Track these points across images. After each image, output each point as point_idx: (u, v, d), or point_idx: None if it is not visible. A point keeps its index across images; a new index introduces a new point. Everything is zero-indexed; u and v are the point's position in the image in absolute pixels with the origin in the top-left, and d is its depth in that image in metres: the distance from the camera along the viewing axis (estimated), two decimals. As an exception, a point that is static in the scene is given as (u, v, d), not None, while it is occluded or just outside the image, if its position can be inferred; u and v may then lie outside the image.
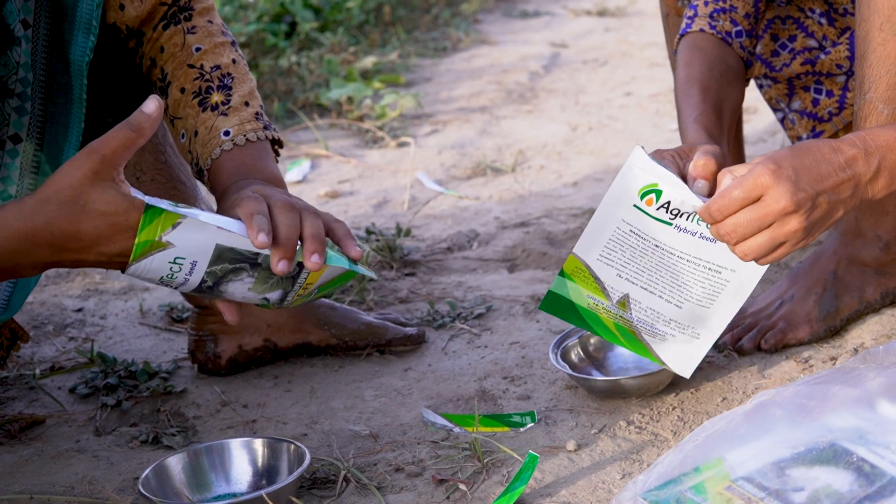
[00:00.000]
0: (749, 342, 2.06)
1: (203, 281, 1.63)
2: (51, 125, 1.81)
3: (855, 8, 1.94)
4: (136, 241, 1.56)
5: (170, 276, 1.61)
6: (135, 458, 1.96)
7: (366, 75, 4.30)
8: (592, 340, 2.09)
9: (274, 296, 1.68)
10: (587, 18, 5.33)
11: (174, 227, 1.56)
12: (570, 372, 1.99)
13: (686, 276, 1.73)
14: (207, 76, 1.90)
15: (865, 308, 2.11)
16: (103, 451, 1.99)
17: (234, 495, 1.79)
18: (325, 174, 3.39)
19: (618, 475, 1.76)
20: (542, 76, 4.34)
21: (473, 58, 4.68)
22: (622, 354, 2.08)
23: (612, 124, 3.68)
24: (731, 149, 2.47)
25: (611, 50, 4.65)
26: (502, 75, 4.34)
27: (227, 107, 1.88)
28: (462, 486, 1.76)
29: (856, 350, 2.04)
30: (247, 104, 1.90)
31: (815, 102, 2.22)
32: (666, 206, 1.70)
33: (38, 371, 2.27)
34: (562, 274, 1.82)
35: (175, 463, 1.81)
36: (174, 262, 1.59)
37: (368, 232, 2.73)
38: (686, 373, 1.84)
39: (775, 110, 2.29)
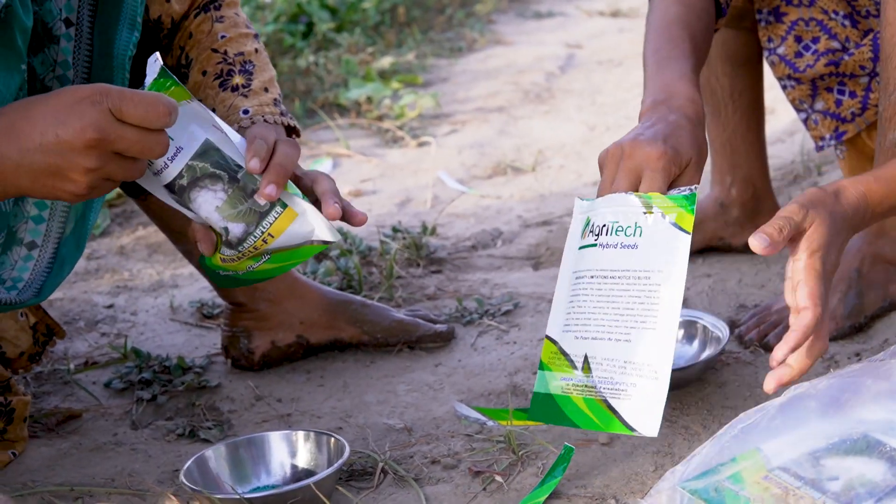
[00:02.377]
0: (775, 338, 2.10)
1: (180, 175, 1.62)
2: None
3: (879, 10, 1.97)
4: None
5: None
6: (172, 450, 2.00)
7: (383, 75, 4.34)
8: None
9: (235, 229, 1.65)
10: (601, 19, 5.37)
11: (179, 104, 1.57)
12: (600, 367, 2.02)
13: (622, 298, 1.67)
14: (230, 60, 1.93)
15: (890, 305, 2.15)
16: (141, 445, 2.03)
17: (274, 487, 1.82)
18: (347, 173, 3.43)
19: (650, 467, 1.80)
20: (557, 76, 4.38)
21: (489, 58, 4.72)
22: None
23: (630, 125, 3.68)
24: (753, 149, 2.51)
25: (625, 51, 4.68)
26: (518, 75, 4.37)
27: (247, 89, 1.91)
28: (498, 478, 1.80)
29: (881, 346, 2.07)
30: (266, 90, 1.92)
31: (838, 103, 2.26)
32: (591, 229, 1.70)
33: (72, 366, 2.31)
34: (541, 367, 1.76)
35: (216, 455, 1.84)
36: None
37: (395, 230, 2.77)
38: (651, 431, 1.64)
39: (798, 111, 2.33)
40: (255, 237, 1.66)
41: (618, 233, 1.67)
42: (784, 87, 2.33)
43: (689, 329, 2.11)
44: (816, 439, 1.46)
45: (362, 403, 2.10)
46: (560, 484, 1.75)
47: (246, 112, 1.87)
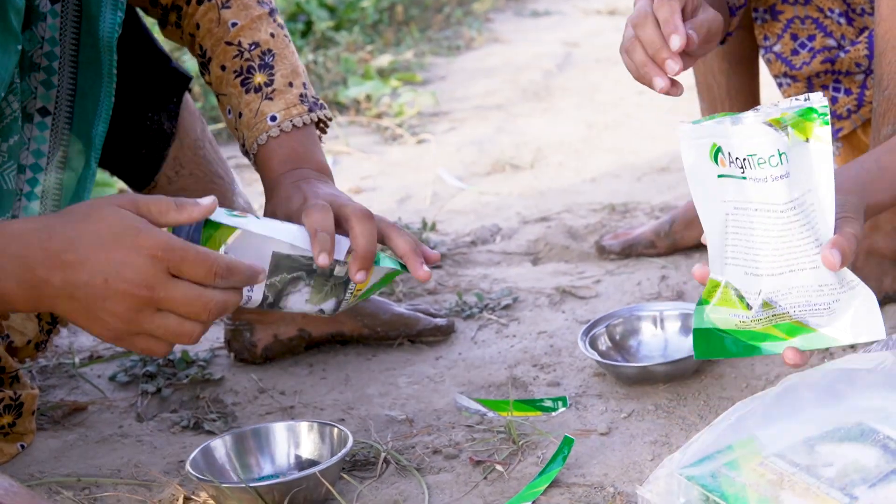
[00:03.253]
0: (771, 331, 2.13)
1: (265, 297, 1.64)
2: (81, 98, 1.85)
3: (874, 8, 2.01)
4: None
5: None
6: (177, 442, 2.03)
7: (382, 74, 4.37)
8: (619, 329, 2.16)
9: (328, 305, 1.70)
10: (598, 17, 5.40)
11: (232, 238, 1.56)
12: (599, 359, 2.06)
13: (793, 230, 1.56)
14: (247, 54, 1.90)
15: (884, 298, 2.18)
16: (146, 436, 2.06)
17: (279, 476, 1.85)
18: (347, 170, 3.47)
19: (648, 457, 1.83)
20: (555, 75, 4.41)
21: (487, 56, 4.75)
22: (648, 343, 2.15)
23: (628, 122, 3.74)
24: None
25: (623, 49, 4.70)
26: (516, 74, 4.41)
27: (270, 89, 1.89)
28: (499, 467, 1.83)
29: (875, 338, 2.11)
30: (290, 84, 1.90)
31: (834, 100, 2.29)
32: (730, 159, 1.58)
33: (77, 360, 2.34)
34: (700, 303, 1.66)
35: (221, 445, 1.87)
36: None
37: (395, 226, 2.80)
38: (879, 333, 1.57)
39: (794, 108, 2.36)
40: (347, 300, 1.71)
41: (761, 165, 1.56)
42: (780, 85, 2.36)
43: (686, 321, 2.15)
44: (811, 427, 1.49)
45: (364, 396, 2.13)
46: (560, 473, 1.78)
47: (273, 119, 1.87)
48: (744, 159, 1.56)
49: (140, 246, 1.45)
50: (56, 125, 1.86)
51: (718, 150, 1.59)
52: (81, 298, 1.46)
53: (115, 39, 1.84)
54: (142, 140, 2.17)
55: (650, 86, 1.80)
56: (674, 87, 1.80)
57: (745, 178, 1.56)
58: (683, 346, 2.12)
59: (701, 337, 1.64)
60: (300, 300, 1.68)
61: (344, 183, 3.33)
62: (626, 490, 1.75)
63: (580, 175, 3.27)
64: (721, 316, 1.63)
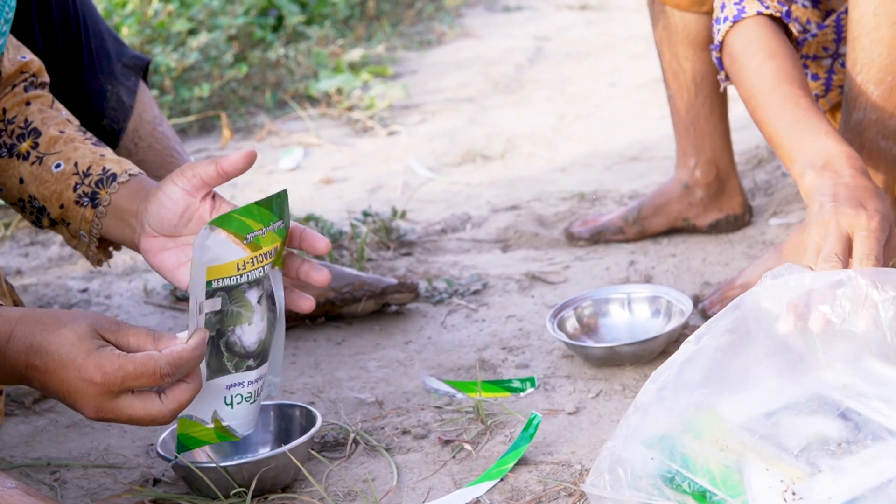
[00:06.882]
0: (737, 312, 2.15)
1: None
2: None
3: (841, -9, 2.02)
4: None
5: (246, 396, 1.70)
6: (147, 427, 2.03)
7: (353, 67, 4.37)
8: (587, 312, 2.18)
9: (253, 296, 1.67)
10: (569, 13, 5.41)
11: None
12: (567, 340, 2.07)
13: None
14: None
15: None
16: (116, 421, 2.06)
17: (247, 456, 1.86)
18: (318, 162, 3.47)
19: (615, 435, 1.84)
20: (526, 68, 4.43)
21: (458, 51, 4.76)
22: (615, 325, 2.17)
23: (598, 113, 3.76)
24: (716, 131, 2.56)
25: (594, 43, 4.73)
26: (488, 67, 4.42)
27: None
28: (467, 446, 1.84)
29: (840, 318, 2.13)
30: (67, 223, 1.89)
31: (800, 85, 2.31)
32: None
33: (47, 347, 2.34)
34: None
35: (190, 427, 1.87)
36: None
37: (365, 214, 2.80)
38: None
39: (761, 93, 2.38)
40: (267, 280, 1.67)
41: None
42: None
43: (654, 303, 2.16)
44: (771, 399, 1.51)
45: (334, 380, 2.14)
46: (527, 451, 1.80)
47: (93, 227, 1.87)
48: None
49: (82, 378, 1.52)
50: None
51: None
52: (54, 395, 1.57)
53: None
54: (101, 113, 2.25)
55: None
56: None
57: None
58: (651, 328, 2.14)
59: None
60: (251, 331, 1.67)
61: (315, 174, 3.34)
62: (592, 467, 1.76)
63: (550, 164, 3.29)
64: None
